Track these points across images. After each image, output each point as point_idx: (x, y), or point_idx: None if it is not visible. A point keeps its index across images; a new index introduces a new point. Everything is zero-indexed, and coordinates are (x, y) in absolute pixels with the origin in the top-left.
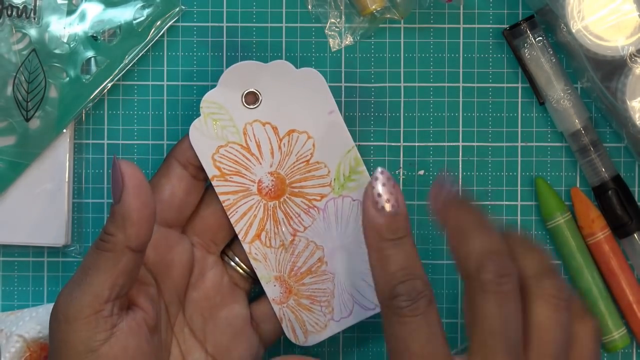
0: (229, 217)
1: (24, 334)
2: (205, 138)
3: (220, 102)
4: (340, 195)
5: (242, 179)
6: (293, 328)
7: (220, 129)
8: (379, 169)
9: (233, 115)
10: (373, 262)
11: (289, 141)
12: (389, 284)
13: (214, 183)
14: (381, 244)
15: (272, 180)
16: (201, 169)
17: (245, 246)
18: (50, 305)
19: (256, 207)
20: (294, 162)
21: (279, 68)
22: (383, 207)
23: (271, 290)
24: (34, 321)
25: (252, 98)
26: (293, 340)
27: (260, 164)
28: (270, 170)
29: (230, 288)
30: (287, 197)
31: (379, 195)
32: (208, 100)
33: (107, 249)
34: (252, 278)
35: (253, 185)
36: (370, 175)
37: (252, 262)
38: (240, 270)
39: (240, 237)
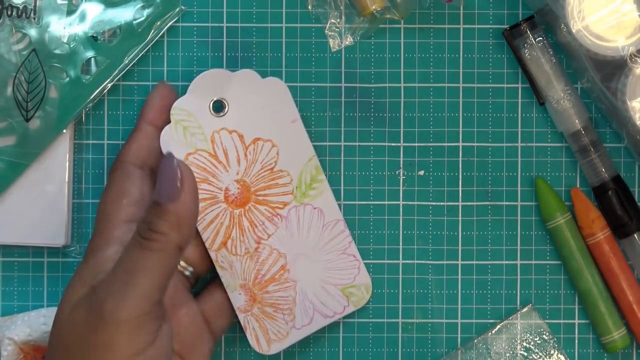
0: (197, 225)
1: (14, 336)
2: (175, 144)
3: (190, 110)
4: (301, 203)
5: (209, 186)
6: (257, 337)
7: (190, 136)
8: None
9: (201, 123)
10: None
11: (254, 149)
12: None
13: None
14: None
15: (238, 188)
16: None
17: (212, 254)
18: (42, 309)
19: (223, 215)
20: (259, 170)
21: (245, 77)
22: None
23: (236, 298)
24: (25, 325)
25: (219, 106)
26: (257, 349)
27: (227, 171)
28: (236, 178)
29: (183, 286)
30: (252, 205)
31: None
32: (178, 108)
33: (158, 248)
34: (193, 274)
35: (220, 193)
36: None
37: (219, 270)
38: (181, 268)
39: (207, 245)
